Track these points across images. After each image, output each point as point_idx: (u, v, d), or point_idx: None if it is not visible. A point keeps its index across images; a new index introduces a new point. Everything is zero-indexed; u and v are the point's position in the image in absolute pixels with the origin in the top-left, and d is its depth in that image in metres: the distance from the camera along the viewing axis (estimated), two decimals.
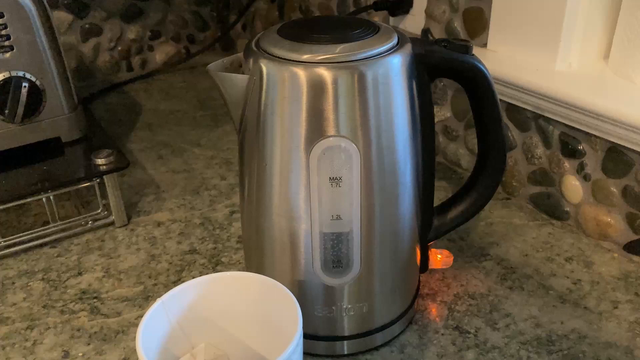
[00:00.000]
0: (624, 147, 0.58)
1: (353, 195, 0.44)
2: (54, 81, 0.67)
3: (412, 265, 0.52)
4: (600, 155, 0.61)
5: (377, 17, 0.83)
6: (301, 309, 0.39)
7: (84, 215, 0.67)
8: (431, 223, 0.53)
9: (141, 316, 0.39)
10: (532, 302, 0.56)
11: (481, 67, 0.47)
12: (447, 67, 0.47)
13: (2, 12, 0.63)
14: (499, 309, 0.55)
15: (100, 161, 0.65)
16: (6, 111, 0.64)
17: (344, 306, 0.48)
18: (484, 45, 0.70)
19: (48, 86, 0.66)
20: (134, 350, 0.37)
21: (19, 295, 0.58)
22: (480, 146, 0.51)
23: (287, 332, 0.38)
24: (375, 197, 0.45)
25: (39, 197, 0.64)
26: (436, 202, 0.53)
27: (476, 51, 0.48)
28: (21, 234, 0.64)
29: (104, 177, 0.65)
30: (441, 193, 0.72)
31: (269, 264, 0.49)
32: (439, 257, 0.57)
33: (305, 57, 0.42)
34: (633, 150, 0.57)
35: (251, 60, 0.43)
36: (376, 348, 0.51)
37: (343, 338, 0.50)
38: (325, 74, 0.41)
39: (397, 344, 0.51)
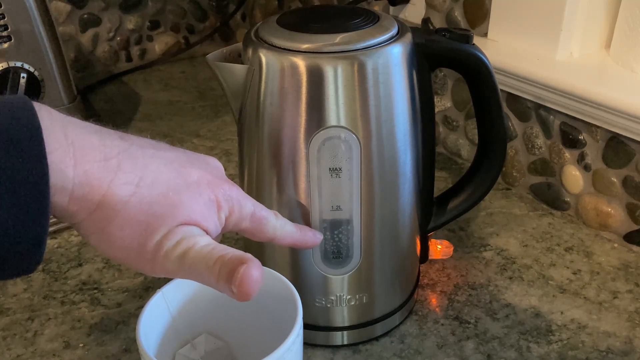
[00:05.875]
0: (624, 137, 0.58)
1: (353, 185, 0.44)
2: (53, 72, 0.67)
3: (412, 255, 0.52)
4: (601, 145, 0.60)
5: (377, 7, 0.82)
6: (301, 300, 0.39)
7: None
8: (431, 213, 0.53)
9: (141, 307, 0.39)
10: (532, 292, 0.56)
11: (482, 56, 0.46)
12: (447, 57, 0.47)
13: (0, 2, 0.62)
14: (499, 299, 0.55)
15: None
16: None
17: (344, 296, 0.48)
18: (485, 34, 0.70)
19: (47, 77, 0.66)
20: (135, 341, 0.37)
21: (20, 286, 0.58)
22: (481, 136, 0.51)
23: (287, 322, 0.38)
24: (375, 188, 0.45)
25: None
26: (436, 193, 0.53)
27: (477, 41, 0.47)
28: None
29: None
30: (441, 183, 0.71)
31: (269, 254, 0.49)
32: (439, 248, 0.57)
33: (304, 46, 0.41)
34: (634, 140, 0.57)
35: (250, 50, 0.43)
36: (376, 338, 0.51)
37: (343, 328, 0.50)
38: (325, 63, 0.41)
39: (397, 334, 0.51)
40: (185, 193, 0.33)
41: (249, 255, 0.32)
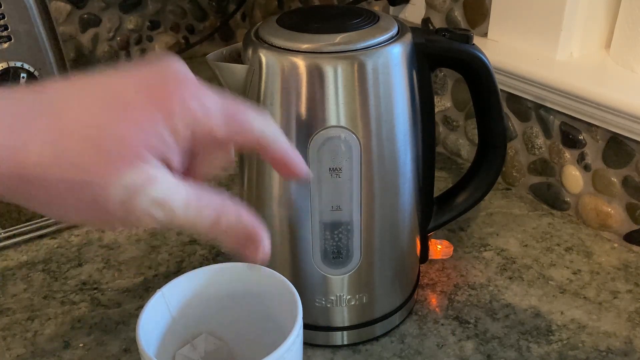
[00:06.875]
0: (624, 137, 0.58)
1: (353, 185, 0.44)
2: (53, 72, 0.67)
3: (412, 255, 0.52)
4: (601, 145, 0.60)
5: (377, 7, 0.82)
6: (301, 300, 0.39)
7: None
8: (431, 213, 0.53)
9: (141, 307, 0.39)
10: (531, 292, 0.56)
11: (482, 56, 0.46)
12: (447, 57, 0.47)
13: (0, 2, 0.62)
14: (499, 299, 0.55)
15: None
16: None
17: (344, 297, 0.48)
18: (485, 34, 0.70)
19: (46, 77, 0.66)
20: (134, 341, 0.37)
21: (20, 286, 0.58)
22: (481, 136, 0.51)
23: (287, 322, 0.38)
24: (375, 188, 0.45)
25: None
26: (436, 193, 0.53)
27: (477, 41, 0.47)
28: (21, 225, 0.64)
29: None
30: (441, 183, 0.71)
31: None
32: (439, 248, 0.57)
33: (304, 46, 0.41)
34: (634, 140, 0.57)
35: (250, 50, 0.43)
36: (376, 338, 0.51)
37: (343, 328, 0.50)
38: (325, 63, 0.41)
39: (397, 334, 0.51)
40: (120, 132, 0.27)
41: (251, 226, 0.30)
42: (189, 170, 0.31)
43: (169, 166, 0.28)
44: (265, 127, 0.31)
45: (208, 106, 0.29)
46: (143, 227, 0.30)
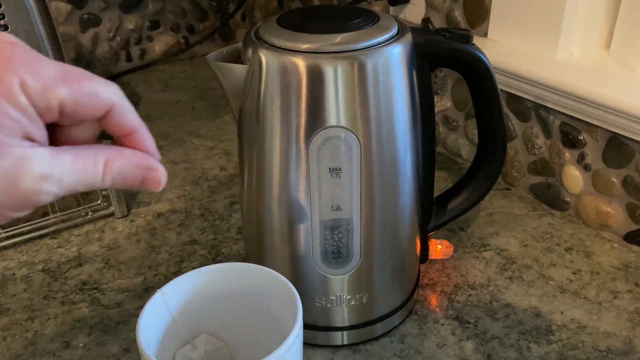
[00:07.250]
0: (624, 137, 0.58)
1: (353, 185, 0.44)
2: None
3: (412, 255, 0.52)
4: (601, 145, 0.61)
5: (377, 7, 0.82)
6: (301, 300, 0.39)
7: (84, 207, 0.67)
8: (431, 213, 0.53)
9: (141, 307, 0.39)
10: (531, 292, 0.56)
11: (482, 56, 0.46)
12: (447, 57, 0.47)
13: (0, 2, 0.62)
14: (499, 299, 0.55)
15: None
16: None
17: (344, 296, 0.48)
18: (485, 34, 0.70)
19: None
20: (135, 341, 0.37)
21: (20, 286, 0.58)
22: (481, 136, 0.51)
23: (287, 322, 0.38)
24: (375, 188, 0.45)
25: None
26: (436, 193, 0.53)
27: (477, 41, 0.47)
28: (21, 225, 0.64)
29: None
30: (441, 183, 0.72)
31: (268, 254, 0.49)
32: (439, 248, 0.57)
33: (304, 46, 0.41)
34: (634, 140, 0.57)
35: (250, 50, 0.43)
36: (376, 338, 0.51)
37: (343, 328, 0.50)
38: (325, 63, 0.41)
39: (397, 334, 0.51)
40: None
41: (141, 157, 0.31)
42: (57, 141, 0.30)
43: (34, 141, 0.28)
44: (114, 96, 0.30)
45: (47, 77, 0.27)
46: (41, 204, 0.29)
